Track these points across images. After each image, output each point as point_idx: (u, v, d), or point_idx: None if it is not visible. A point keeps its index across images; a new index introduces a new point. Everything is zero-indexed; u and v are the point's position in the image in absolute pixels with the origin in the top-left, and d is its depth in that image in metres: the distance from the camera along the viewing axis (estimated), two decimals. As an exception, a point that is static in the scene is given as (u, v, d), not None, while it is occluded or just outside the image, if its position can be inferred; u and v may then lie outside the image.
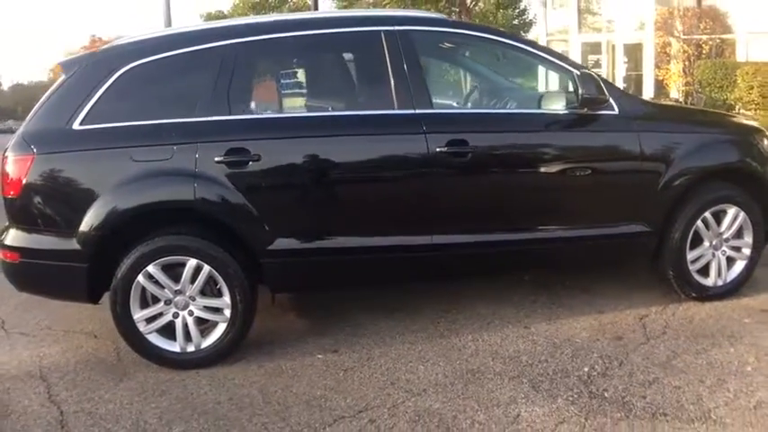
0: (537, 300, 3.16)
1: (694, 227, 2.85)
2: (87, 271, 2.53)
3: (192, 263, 2.52)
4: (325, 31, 2.66)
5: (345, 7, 16.80)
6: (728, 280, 2.95)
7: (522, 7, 18.02)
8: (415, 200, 2.60)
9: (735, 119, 3.70)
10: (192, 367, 2.62)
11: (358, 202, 2.61)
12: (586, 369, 2.46)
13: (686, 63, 10.09)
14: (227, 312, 2.58)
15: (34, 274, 2.62)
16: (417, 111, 2.58)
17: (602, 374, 2.41)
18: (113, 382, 2.59)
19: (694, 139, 2.84)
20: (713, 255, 2.92)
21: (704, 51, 10.45)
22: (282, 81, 2.84)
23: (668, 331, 2.74)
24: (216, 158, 2.48)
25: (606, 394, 2.27)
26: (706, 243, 2.90)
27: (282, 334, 2.93)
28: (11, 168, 2.59)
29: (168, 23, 14.26)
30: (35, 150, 2.53)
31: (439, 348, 2.70)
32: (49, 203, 2.56)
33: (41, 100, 2.71)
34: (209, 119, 2.51)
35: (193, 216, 2.56)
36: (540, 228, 2.72)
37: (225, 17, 21.76)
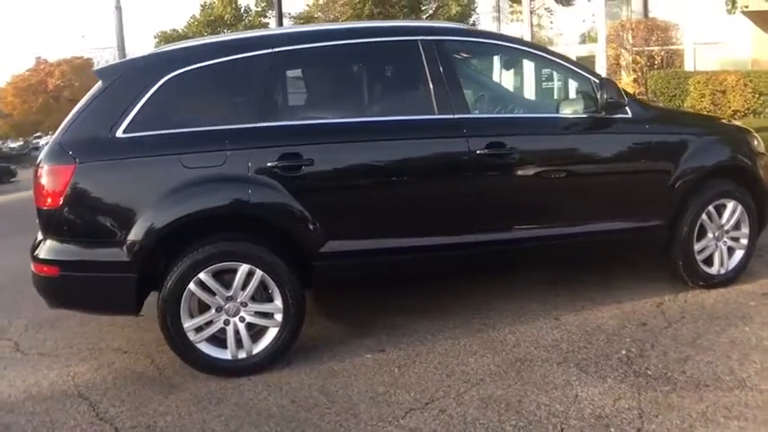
0: (558, 294, 3.35)
1: (700, 220, 3.13)
2: (136, 281, 2.49)
3: (244, 268, 2.53)
4: (368, 40, 2.77)
5: (303, 23, 16.96)
6: (730, 268, 3.23)
7: (471, 22, 18.75)
8: (458, 200, 2.72)
9: (726, 121, 4.09)
10: (244, 374, 2.61)
11: (405, 203, 2.71)
12: (624, 352, 2.65)
13: (639, 74, 10.87)
14: (279, 317, 2.60)
15: (76, 288, 2.55)
16: (457, 115, 2.73)
17: (639, 356, 2.61)
18: (162, 394, 2.55)
19: (698, 139, 3.13)
20: (716, 245, 3.20)
21: (656, 62, 11.33)
22: (329, 87, 2.91)
23: (686, 315, 2.99)
24: (269, 163, 2.51)
25: (649, 372, 2.46)
26: (710, 235, 3.18)
27: (323, 338, 2.96)
28: (48, 179, 2.52)
29: (121, 44, 13.88)
30: (77, 159, 2.48)
31: (481, 342, 2.82)
32: (93, 213, 2.51)
33: (77, 108, 2.66)
34: (262, 125, 2.55)
35: (243, 221, 2.58)
36: (569, 223, 2.90)
37: (180, 36, 21.37)
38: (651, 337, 2.77)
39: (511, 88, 4.40)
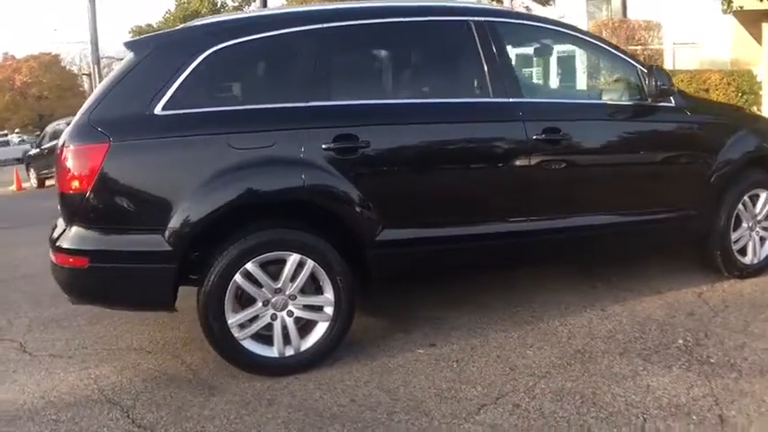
0: (596, 286, 3.29)
1: (736, 210, 3.14)
2: (175, 273, 2.27)
3: (294, 258, 2.34)
4: (420, 19, 2.62)
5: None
6: (762, 257, 3.25)
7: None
8: (515, 186, 2.62)
9: (751, 112, 4.15)
10: (291, 373, 2.43)
11: (462, 188, 2.58)
12: (681, 341, 2.61)
13: (622, 72, 11.12)
14: (329, 310, 2.43)
15: (108, 281, 2.30)
16: (512, 99, 2.63)
17: (696, 344, 2.57)
18: (203, 397, 2.33)
19: (736, 129, 3.14)
20: (749, 235, 3.22)
21: (640, 61, 11.61)
22: (380, 66, 2.74)
23: (729, 305, 2.97)
24: (323, 145, 2.34)
25: (712, 360, 2.42)
26: (744, 225, 3.19)
27: (366, 334, 2.79)
28: (77, 160, 2.28)
29: (94, 38, 13.26)
30: (110, 138, 2.23)
31: (535, 334, 2.72)
32: (129, 198, 2.28)
33: (106, 83, 2.42)
34: (315, 104, 2.37)
35: (292, 207, 2.39)
36: (622, 212, 2.85)
37: (155, 31, 20.68)
38: (702, 326, 2.74)
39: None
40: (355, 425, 2.08)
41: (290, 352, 2.41)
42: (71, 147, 2.29)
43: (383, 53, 2.71)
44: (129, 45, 2.43)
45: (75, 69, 37.86)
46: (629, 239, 2.99)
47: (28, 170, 14.25)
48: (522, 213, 2.65)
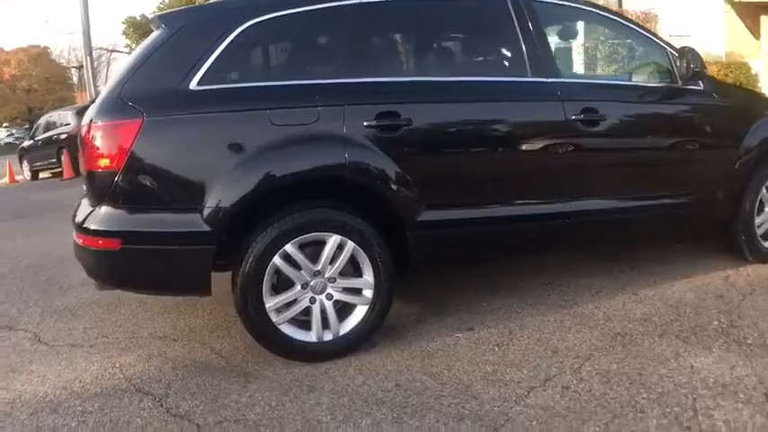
0: (624, 270, 3.29)
1: (760, 195, 3.16)
2: (214, 254, 2.18)
3: (334, 239, 2.27)
4: None
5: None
6: (784, 242, 3.29)
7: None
8: (553, 167, 2.58)
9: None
10: (329, 358, 2.37)
11: (503, 168, 2.54)
12: (716, 323, 2.61)
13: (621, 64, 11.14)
14: (369, 293, 2.37)
15: (140, 264, 2.20)
16: (550, 79, 2.59)
17: (731, 326, 2.57)
18: (239, 384, 2.26)
19: (759, 113, 3.14)
20: (772, 220, 3.26)
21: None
22: (422, 44, 2.67)
23: (756, 288, 2.98)
24: (365, 122, 2.27)
25: (749, 341, 2.42)
26: (767, 209, 3.23)
27: (400, 319, 2.74)
28: (107, 137, 2.17)
29: (86, 30, 12.93)
30: (144, 114, 2.13)
31: (571, 317, 2.70)
32: (165, 176, 2.18)
33: (135, 58, 2.31)
34: (356, 80, 2.30)
35: (331, 186, 2.32)
36: (654, 194, 2.83)
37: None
38: (734, 309, 2.74)
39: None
40: (404, 410, 2.03)
41: (328, 336, 2.35)
42: (100, 123, 2.18)
43: (424, 30, 2.64)
44: (160, 18, 2.33)
45: (63, 62, 37.40)
46: (662, 222, 2.97)
47: (21, 162, 13.85)
48: (556, 195, 2.61)
